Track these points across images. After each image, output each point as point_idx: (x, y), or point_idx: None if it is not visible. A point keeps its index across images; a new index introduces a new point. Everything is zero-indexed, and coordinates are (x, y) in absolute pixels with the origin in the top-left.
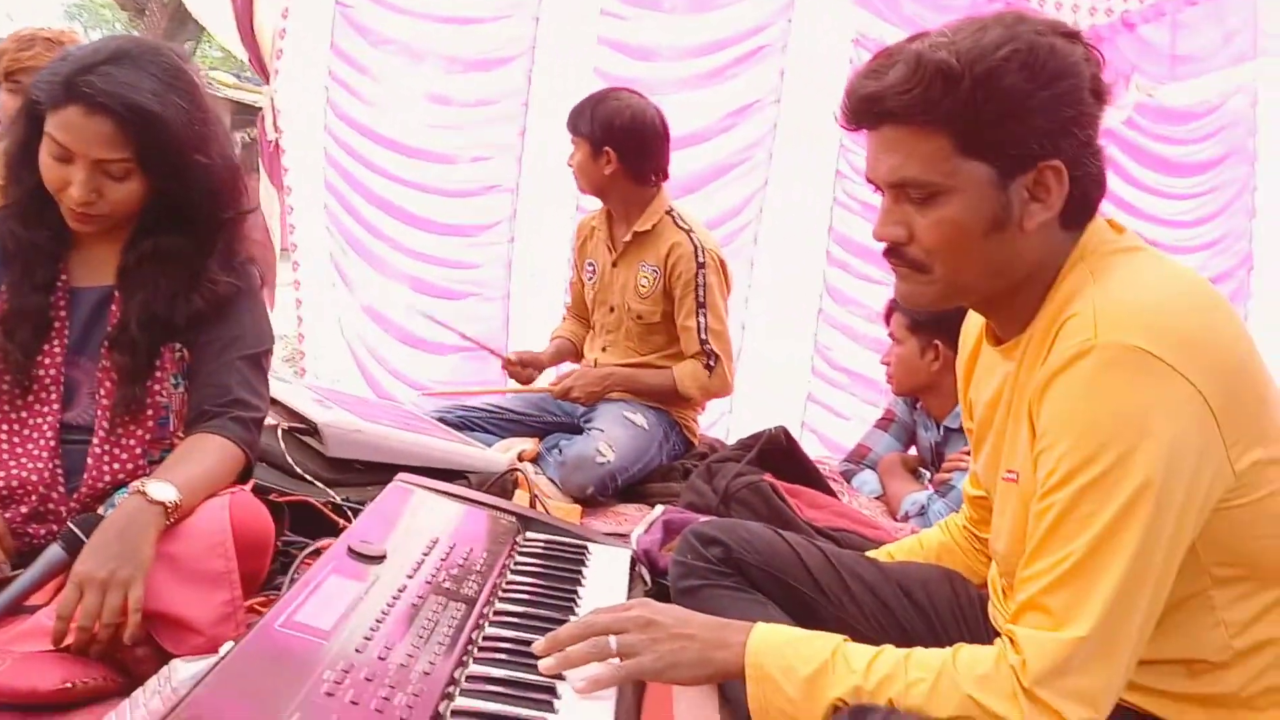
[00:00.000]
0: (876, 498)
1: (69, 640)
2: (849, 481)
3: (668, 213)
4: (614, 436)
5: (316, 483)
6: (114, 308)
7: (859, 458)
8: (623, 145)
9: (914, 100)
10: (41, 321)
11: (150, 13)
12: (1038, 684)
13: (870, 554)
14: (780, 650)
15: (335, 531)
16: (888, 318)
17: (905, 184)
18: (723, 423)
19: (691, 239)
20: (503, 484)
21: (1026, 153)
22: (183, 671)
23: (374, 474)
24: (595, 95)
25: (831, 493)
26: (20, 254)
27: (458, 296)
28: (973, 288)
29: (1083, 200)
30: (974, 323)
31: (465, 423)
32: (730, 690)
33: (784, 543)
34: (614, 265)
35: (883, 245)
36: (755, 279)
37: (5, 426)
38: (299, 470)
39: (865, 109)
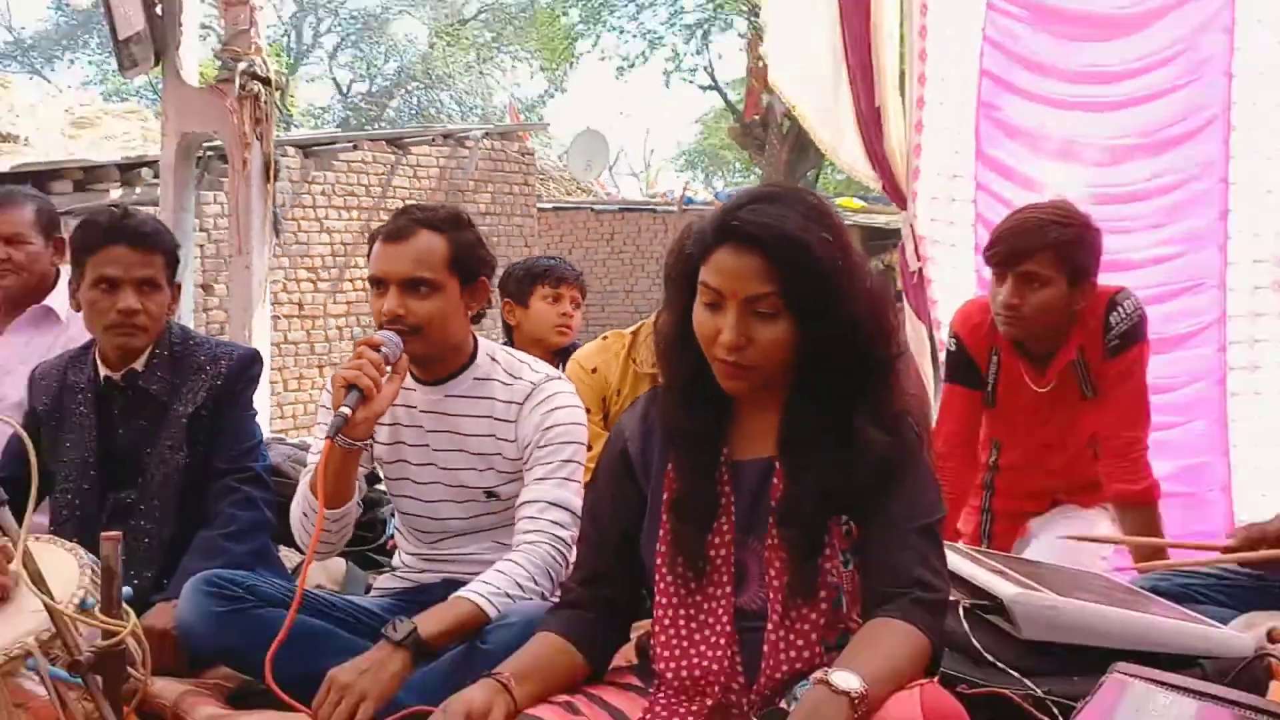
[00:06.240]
0: None
1: None
2: None
3: None
4: None
5: (1010, 671)
6: (775, 481)
7: None
8: None
9: None
10: (710, 502)
11: (770, 145)
12: None
13: None
14: None
15: None
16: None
17: None
18: None
19: None
20: (1251, 673)
21: None
22: None
23: (1078, 661)
24: None
25: None
26: (684, 437)
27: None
28: None
29: None
30: None
31: (1185, 593)
32: None
33: None
34: None
35: None
36: None
37: (684, 613)
38: (988, 657)
39: None
